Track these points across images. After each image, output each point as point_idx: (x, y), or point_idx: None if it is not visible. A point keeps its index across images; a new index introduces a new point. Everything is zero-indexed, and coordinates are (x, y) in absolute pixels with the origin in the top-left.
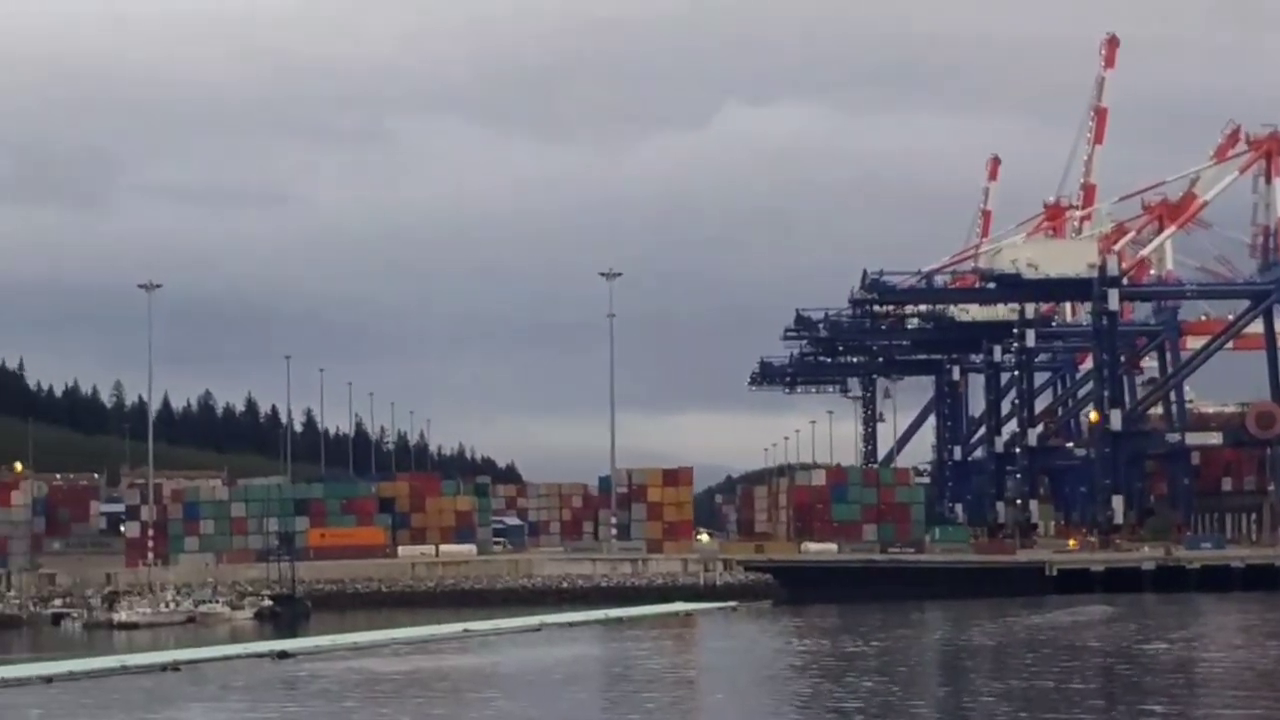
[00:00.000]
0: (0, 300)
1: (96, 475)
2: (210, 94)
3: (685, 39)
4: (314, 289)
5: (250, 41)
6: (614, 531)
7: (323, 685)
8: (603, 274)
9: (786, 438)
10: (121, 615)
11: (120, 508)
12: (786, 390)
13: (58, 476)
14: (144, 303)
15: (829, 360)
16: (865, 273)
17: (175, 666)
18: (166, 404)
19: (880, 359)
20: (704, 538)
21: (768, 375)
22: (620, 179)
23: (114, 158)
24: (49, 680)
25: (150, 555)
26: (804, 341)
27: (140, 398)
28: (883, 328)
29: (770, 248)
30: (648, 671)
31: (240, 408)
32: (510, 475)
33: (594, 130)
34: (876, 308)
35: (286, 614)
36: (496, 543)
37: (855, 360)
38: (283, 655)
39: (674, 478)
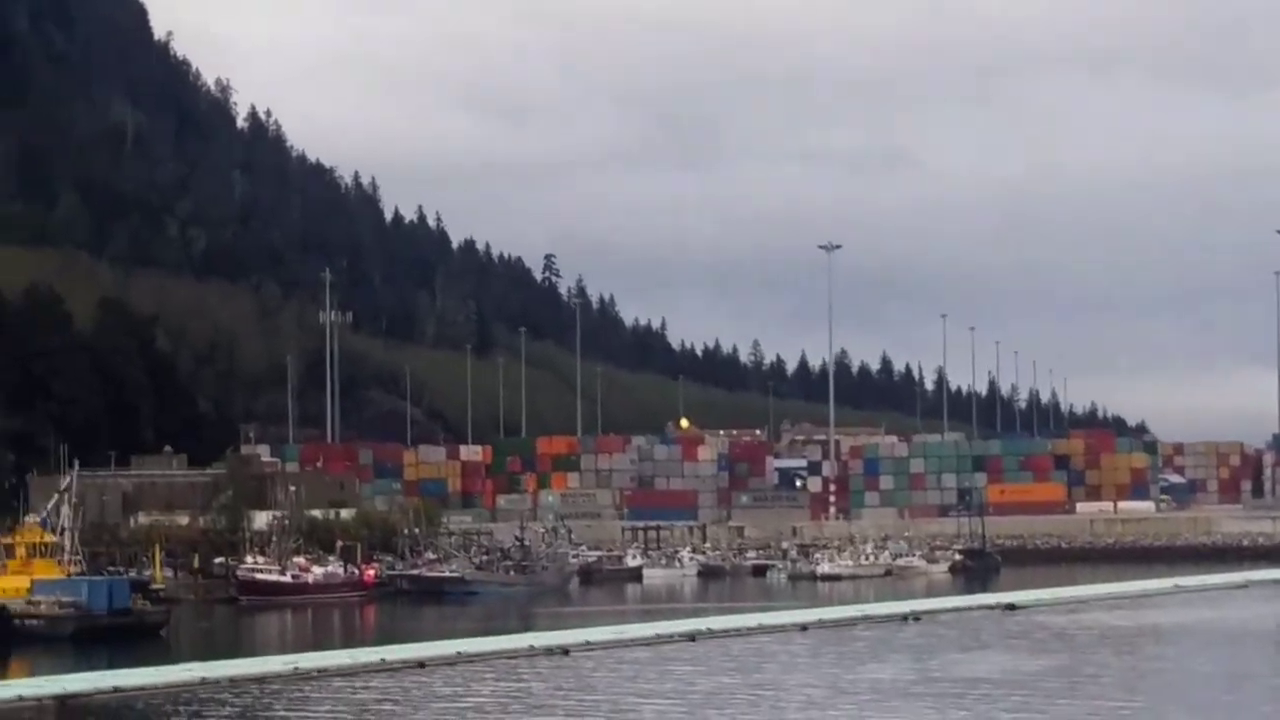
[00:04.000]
0: (643, 262)
1: (758, 432)
2: (836, 59)
3: None
4: (942, 250)
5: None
6: None
7: (1063, 636)
8: (1278, 231)
9: None
10: (825, 567)
11: (800, 463)
12: None
13: (720, 433)
14: (768, 266)
15: None
16: None
17: (915, 617)
18: (804, 362)
19: None
20: None
21: None
22: (1247, 134)
23: (740, 122)
24: (804, 628)
25: (833, 510)
26: None
27: (778, 356)
28: None
29: None
30: None
31: (875, 365)
32: (1141, 434)
33: (1215, 85)
34: None
35: (978, 568)
36: (1161, 500)
37: None
38: (1011, 607)
39: None
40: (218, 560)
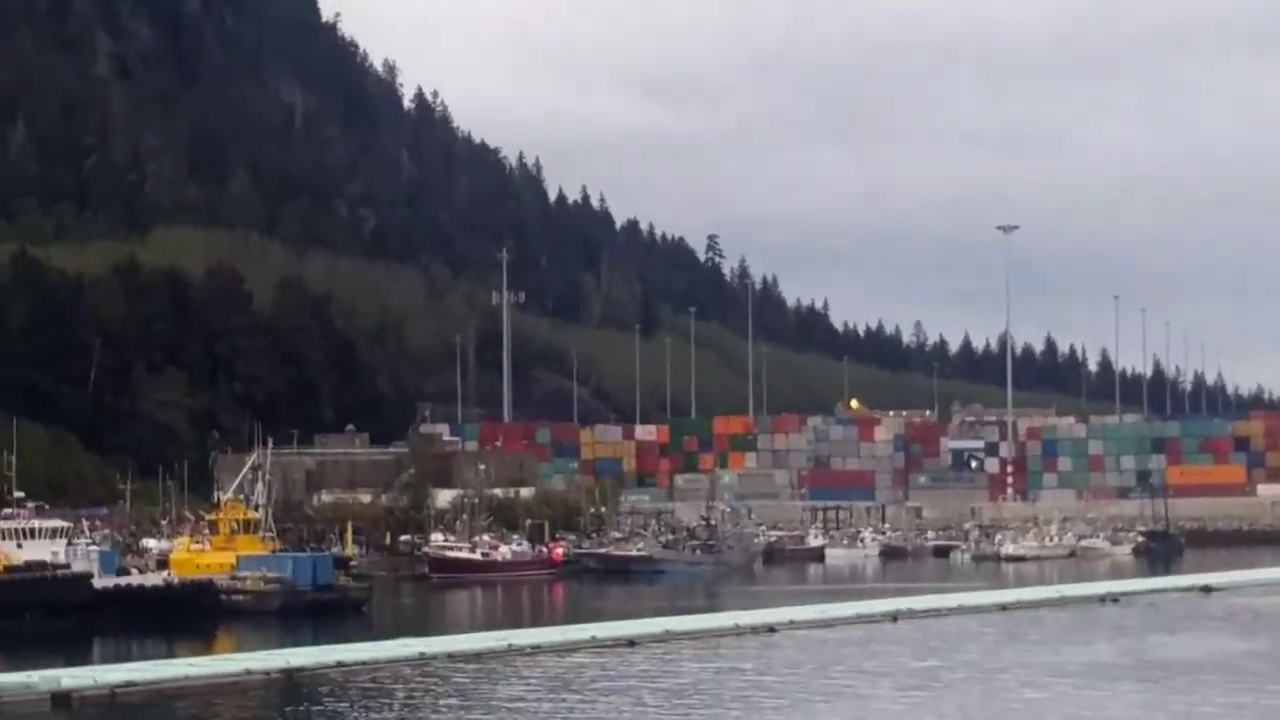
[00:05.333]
0: (803, 240)
1: (928, 413)
2: (994, 36)
3: None
4: (1105, 229)
5: None
6: None
7: (1263, 618)
8: None
9: None
10: (1009, 548)
11: (975, 444)
12: None
13: (890, 413)
14: (930, 245)
15: None
16: None
17: (1113, 598)
18: (967, 342)
19: None
20: None
21: None
22: None
23: (902, 99)
24: (1004, 608)
25: (1010, 491)
26: None
27: (940, 336)
28: None
29: None
30: None
31: (1038, 347)
32: None
33: None
34: None
35: (1162, 550)
36: None
37: None
38: (1206, 589)
39: None
40: (404, 538)
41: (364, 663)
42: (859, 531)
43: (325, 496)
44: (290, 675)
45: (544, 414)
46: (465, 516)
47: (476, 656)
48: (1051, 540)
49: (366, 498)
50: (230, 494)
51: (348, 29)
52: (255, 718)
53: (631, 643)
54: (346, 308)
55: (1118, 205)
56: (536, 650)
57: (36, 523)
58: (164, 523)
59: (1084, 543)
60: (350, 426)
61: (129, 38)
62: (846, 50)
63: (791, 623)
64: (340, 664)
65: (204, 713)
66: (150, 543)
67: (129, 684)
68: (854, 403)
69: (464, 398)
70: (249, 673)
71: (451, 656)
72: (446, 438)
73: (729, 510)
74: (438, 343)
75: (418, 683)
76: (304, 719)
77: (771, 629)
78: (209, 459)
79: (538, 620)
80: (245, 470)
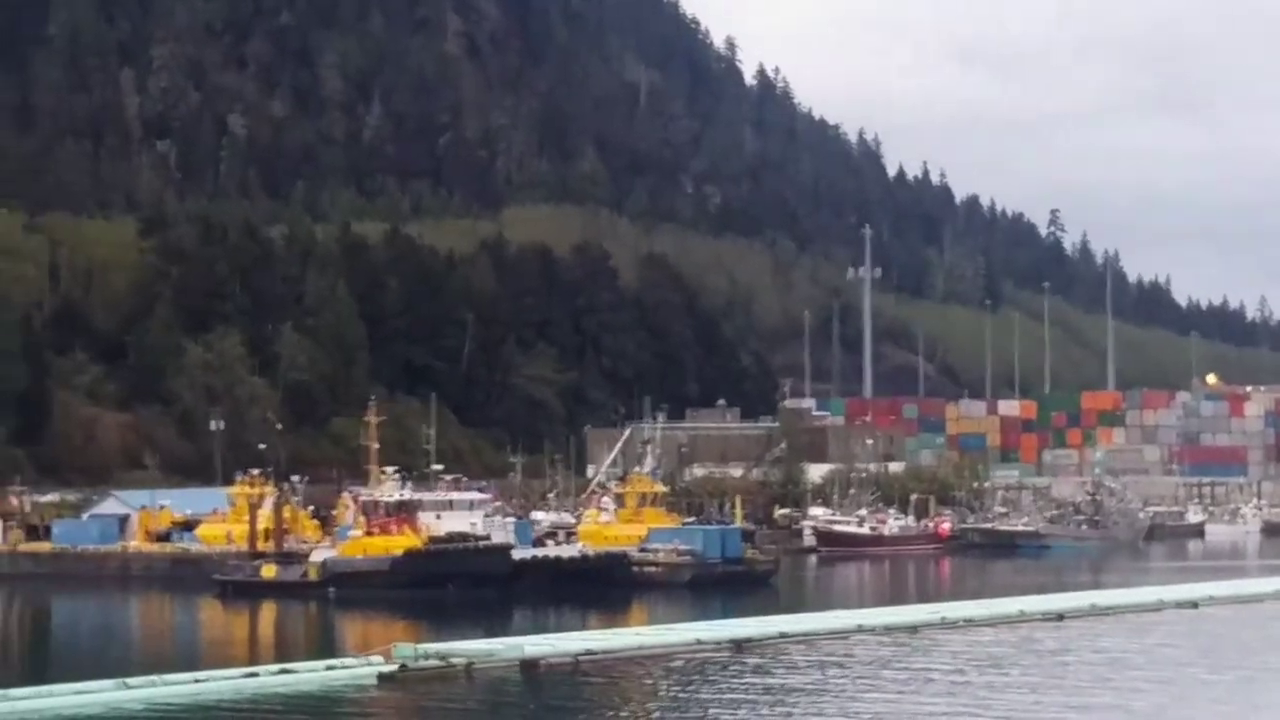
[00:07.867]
0: (1144, 215)
1: (1248, 387)
2: None
3: None
4: None
5: None
6: None
7: None
8: None
9: None
10: None
11: None
12: None
13: (1248, 388)
14: (1264, 217)
15: None
16: None
17: None
18: None
19: None
20: None
21: None
22: None
23: (1241, 70)
24: None
25: None
26: None
27: None
28: None
29: None
30: None
31: None
32: None
33: None
34: None
35: None
36: None
37: None
38: None
39: None
40: (781, 511)
41: (806, 634)
42: (1238, 508)
43: (697, 470)
44: (739, 645)
45: (891, 389)
46: (853, 491)
47: (911, 629)
48: None
49: (737, 472)
50: (603, 467)
51: (689, 6)
52: (712, 687)
53: (1060, 617)
54: (696, 283)
55: None
56: (969, 623)
57: (455, 495)
58: (551, 495)
59: None
60: (721, 401)
61: (478, 18)
62: (1185, 20)
63: (1212, 598)
64: (783, 635)
65: (662, 680)
66: (539, 515)
67: (589, 652)
68: (1211, 378)
69: (821, 372)
70: (699, 643)
71: (888, 629)
72: (815, 412)
73: (1113, 486)
74: (784, 318)
75: (859, 653)
76: (762, 690)
77: (1195, 604)
78: (582, 433)
79: (925, 595)
80: (622, 443)
